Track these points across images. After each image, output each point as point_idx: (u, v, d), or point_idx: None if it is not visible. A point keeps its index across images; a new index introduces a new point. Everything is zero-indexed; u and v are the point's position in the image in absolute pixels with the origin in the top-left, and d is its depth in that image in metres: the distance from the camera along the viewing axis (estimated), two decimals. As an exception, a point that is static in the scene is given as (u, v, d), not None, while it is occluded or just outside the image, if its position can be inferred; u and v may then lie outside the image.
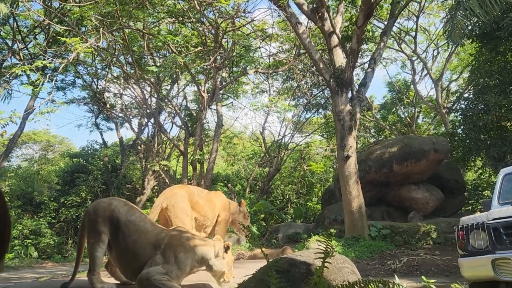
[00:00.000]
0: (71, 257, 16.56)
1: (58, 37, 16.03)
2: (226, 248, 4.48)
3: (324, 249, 2.37)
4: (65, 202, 20.02)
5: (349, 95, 12.34)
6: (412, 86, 23.60)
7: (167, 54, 15.91)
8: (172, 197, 6.08)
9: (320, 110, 22.09)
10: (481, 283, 4.46)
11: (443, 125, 22.66)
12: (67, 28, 14.52)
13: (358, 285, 2.16)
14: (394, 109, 25.18)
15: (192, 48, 14.40)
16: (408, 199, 14.02)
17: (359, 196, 11.69)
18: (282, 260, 3.04)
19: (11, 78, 14.03)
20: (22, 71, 10.18)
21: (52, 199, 20.86)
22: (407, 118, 24.94)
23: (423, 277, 4.13)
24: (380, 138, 23.72)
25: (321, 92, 20.59)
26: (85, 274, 4.48)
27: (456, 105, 16.20)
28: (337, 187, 13.79)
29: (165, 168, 16.52)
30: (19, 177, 24.61)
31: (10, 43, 18.12)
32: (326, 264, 2.61)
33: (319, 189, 22.22)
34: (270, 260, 3.17)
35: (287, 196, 21.29)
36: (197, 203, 6.33)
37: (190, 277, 4.55)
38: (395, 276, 3.87)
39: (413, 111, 24.61)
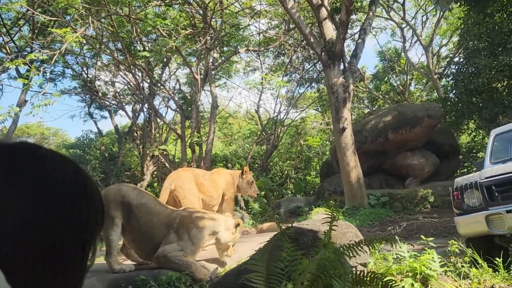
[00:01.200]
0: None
1: (44, 28, 15.81)
2: (236, 225, 4.72)
3: (331, 214, 2.56)
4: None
5: (341, 67, 12.41)
6: (403, 53, 23.64)
7: (156, 38, 15.80)
8: (179, 179, 6.29)
9: (313, 84, 22.14)
10: (477, 238, 4.75)
11: (435, 90, 22.84)
12: (51, 18, 14.32)
13: (364, 243, 2.37)
14: (386, 78, 25.28)
15: (182, 31, 14.31)
16: (404, 166, 14.31)
17: (356, 166, 11.94)
18: (291, 229, 3.24)
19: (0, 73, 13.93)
20: (16, 65, 10.11)
21: (53, 191, 21.02)
22: (400, 86, 25.08)
23: (422, 236, 4.36)
24: (374, 108, 23.89)
25: (313, 66, 20.59)
26: (103, 258, 4.69)
27: (447, 70, 16.31)
28: (335, 159, 14.04)
29: (165, 153, 16.65)
30: (18, 172, 24.62)
31: (-5, 37, 17.84)
32: (332, 230, 2.80)
33: (317, 163, 22.51)
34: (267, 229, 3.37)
35: (286, 172, 21.57)
36: (202, 184, 6.55)
37: (202, 253, 4.77)
38: (396, 237, 4.09)
39: (405, 79, 24.73)
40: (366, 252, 2.55)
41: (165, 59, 17.49)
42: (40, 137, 34.37)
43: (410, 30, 22.44)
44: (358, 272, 2.16)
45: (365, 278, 2.11)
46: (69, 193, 0.62)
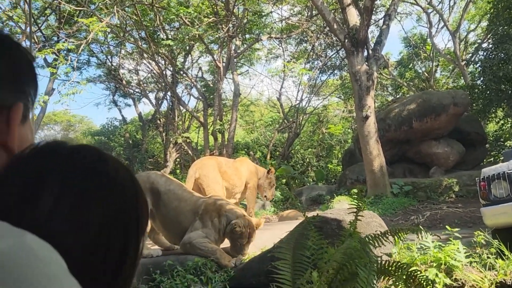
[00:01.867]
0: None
1: (70, 17, 16.11)
2: (234, 227, 4.49)
3: (356, 205, 2.59)
4: (92, 180, 20.66)
5: (365, 54, 12.23)
6: (428, 39, 23.02)
7: (179, 26, 15.88)
8: (203, 167, 6.41)
9: (335, 71, 21.89)
10: (503, 229, 4.70)
11: (462, 77, 22.21)
12: (77, 7, 14.56)
13: (389, 233, 2.40)
14: (411, 64, 24.69)
15: (205, 19, 14.34)
16: (429, 155, 14.09)
17: (379, 155, 11.84)
18: (315, 218, 3.29)
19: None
20: (44, 54, 10.41)
21: (79, 177, 21.59)
22: (425, 73, 24.46)
23: (447, 226, 4.34)
24: (398, 96, 23.47)
25: (336, 53, 20.34)
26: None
27: (474, 56, 15.85)
28: (357, 148, 13.94)
29: (187, 140, 16.87)
30: (46, 159, 25.43)
31: (23, 27, 18.27)
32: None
33: (339, 151, 22.37)
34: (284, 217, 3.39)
35: (308, 160, 21.54)
36: (226, 172, 6.66)
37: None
38: (421, 228, 4.08)
39: (430, 66, 24.10)
40: (390, 242, 2.58)
41: (187, 47, 17.58)
42: (66, 124, 35.25)
43: (436, 15, 21.81)
44: (383, 262, 2.19)
45: (390, 268, 2.15)
46: (130, 191, 0.70)
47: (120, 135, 22.66)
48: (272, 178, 7.50)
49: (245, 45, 17.09)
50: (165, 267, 4.01)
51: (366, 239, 2.35)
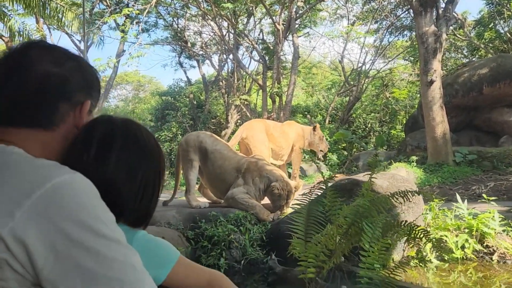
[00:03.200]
0: (168, 186, 18.61)
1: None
2: (279, 187, 4.81)
3: (371, 168, 2.69)
4: (159, 137, 21.93)
5: (435, 14, 11.47)
6: (514, -5, 20.70)
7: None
8: (251, 129, 6.77)
9: (405, 32, 20.68)
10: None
11: (551, 38, 19.91)
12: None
13: (398, 195, 2.49)
14: (492, 24, 22.48)
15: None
16: (499, 123, 13.15)
17: (443, 122, 11.33)
18: (347, 180, 3.42)
19: (101, 24, 15.36)
20: (113, 19, 11.08)
21: (147, 135, 23.03)
22: (508, 34, 22.20)
23: (484, 195, 4.22)
24: (473, 59, 21.68)
25: (407, 12, 19.13)
26: (183, 196, 5.34)
27: None
28: (420, 114, 13.40)
29: (246, 103, 17.21)
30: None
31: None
32: (386, 183, 2.93)
33: (403, 116, 21.50)
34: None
35: (370, 125, 21.02)
36: (272, 135, 6.97)
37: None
38: (457, 195, 4.02)
39: (514, 25, 21.77)
40: (401, 203, 2.66)
41: (249, 9, 17.54)
42: (137, 84, 37.33)
43: (526, -33, 19.42)
44: (390, 220, 2.32)
45: (396, 226, 2.26)
46: (156, 153, 1.02)
47: (185, 96, 23.58)
48: (319, 132, 7.78)
49: (307, 6, 16.67)
50: (210, 217, 4.44)
51: (376, 199, 2.46)
